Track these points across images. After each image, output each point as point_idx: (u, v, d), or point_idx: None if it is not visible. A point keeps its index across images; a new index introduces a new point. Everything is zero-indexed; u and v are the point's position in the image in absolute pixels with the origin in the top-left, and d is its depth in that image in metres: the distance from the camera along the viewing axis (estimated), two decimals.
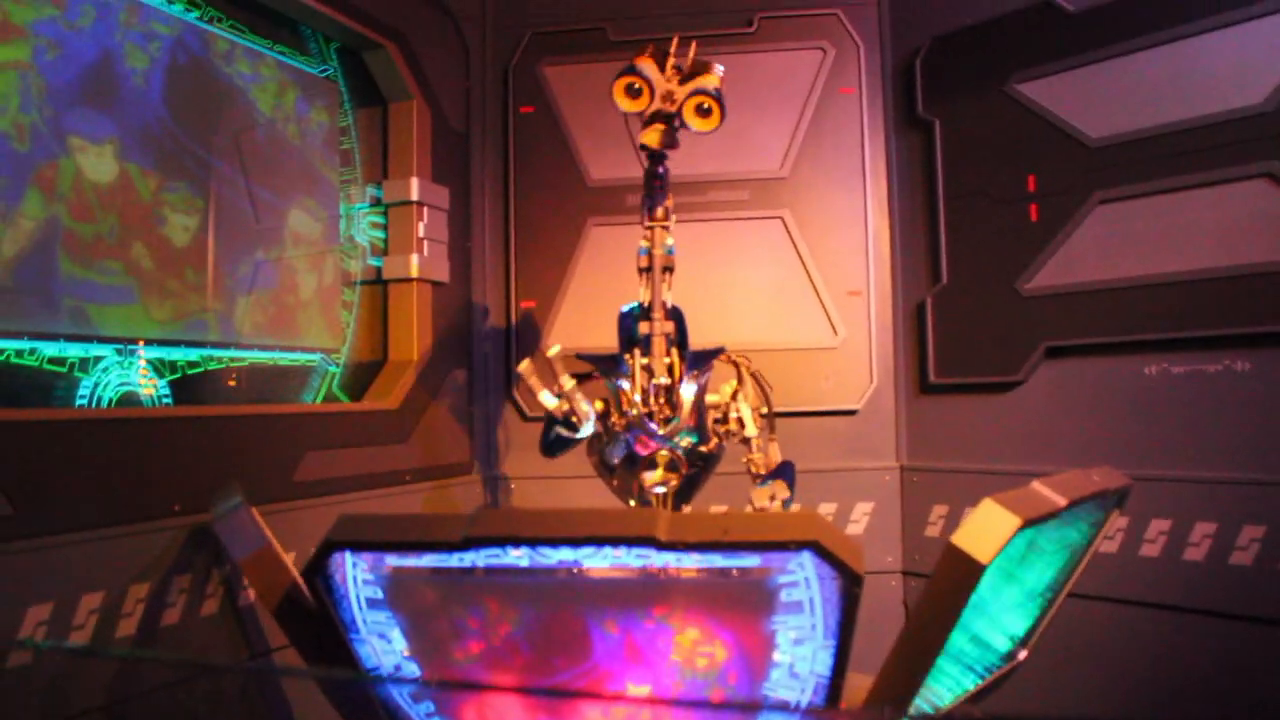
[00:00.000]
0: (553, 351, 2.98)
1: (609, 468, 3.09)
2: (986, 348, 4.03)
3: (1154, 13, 3.59)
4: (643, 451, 2.93)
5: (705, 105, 2.82)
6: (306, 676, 2.54)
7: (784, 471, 2.98)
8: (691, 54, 2.91)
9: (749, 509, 2.91)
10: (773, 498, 2.82)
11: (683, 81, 2.84)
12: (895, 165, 4.37)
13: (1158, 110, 3.59)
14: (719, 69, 2.88)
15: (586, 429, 2.98)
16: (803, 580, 1.80)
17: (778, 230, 4.32)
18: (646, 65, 2.84)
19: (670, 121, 2.88)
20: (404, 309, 3.96)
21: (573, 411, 2.94)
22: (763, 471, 3.01)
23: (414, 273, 3.95)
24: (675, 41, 2.94)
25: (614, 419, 3.02)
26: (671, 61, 2.88)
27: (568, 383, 2.96)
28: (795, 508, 2.97)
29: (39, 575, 2.39)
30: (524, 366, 3.00)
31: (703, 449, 3.02)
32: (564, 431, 3.01)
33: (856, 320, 4.28)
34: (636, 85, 2.83)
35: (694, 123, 2.84)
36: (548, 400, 2.95)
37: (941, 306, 4.17)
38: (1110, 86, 3.72)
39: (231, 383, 3.39)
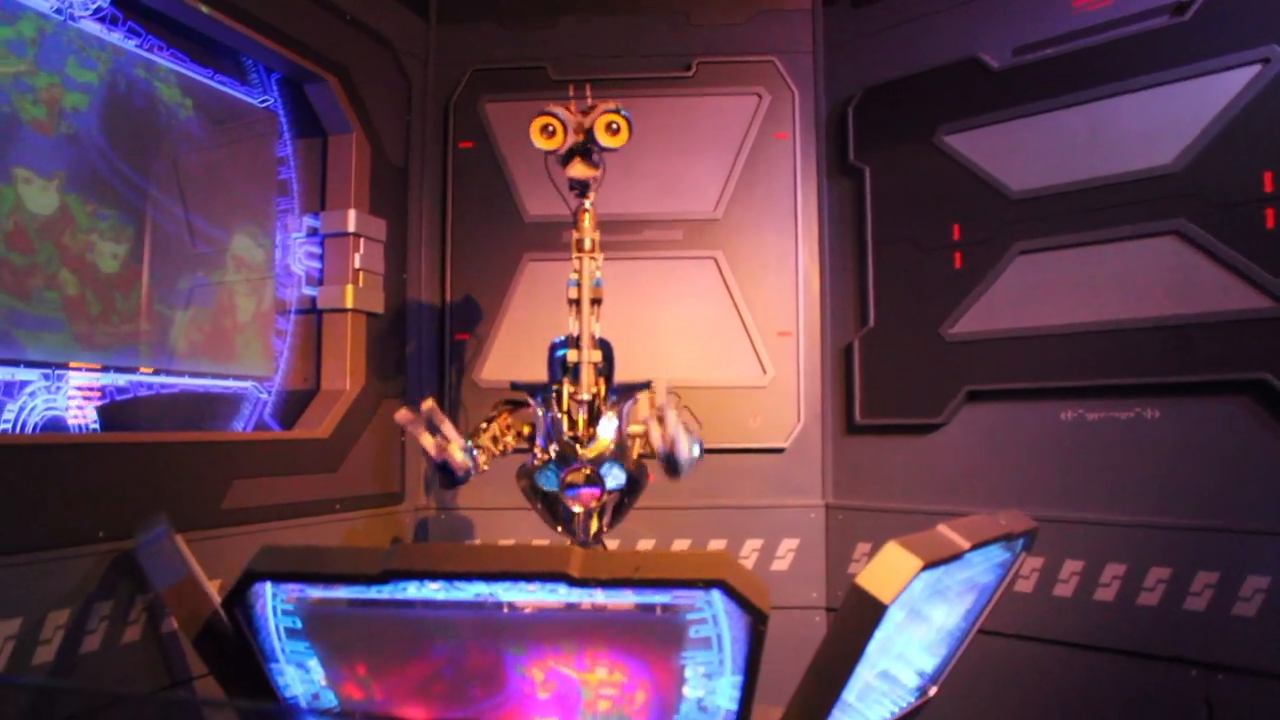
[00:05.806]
0: (426, 405, 3.12)
1: (539, 493, 3.17)
2: (910, 390, 4.14)
3: (1072, 73, 3.74)
4: (570, 479, 3.03)
5: (614, 124, 3.09)
6: (226, 706, 2.54)
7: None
8: (588, 96, 3.21)
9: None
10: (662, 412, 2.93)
11: (586, 114, 3.12)
12: (827, 210, 4.47)
13: (1075, 166, 3.73)
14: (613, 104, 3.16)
15: (464, 475, 3.11)
16: (711, 617, 1.86)
17: (710, 270, 4.40)
18: (556, 108, 3.11)
19: (586, 150, 3.14)
20: (337, 339, 3.98)
21: (449, 460, 3.06)
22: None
23: (349, 304, 3.97)
24: (572, 89, 3.26)
25: (536, 450, 3.16)
26: (573, 105, 3.17)
27: (450, 433, 3.09)
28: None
29: None
30: (402, 415, 3.09)
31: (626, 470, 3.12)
32: (444, 475, 3.14)
33: (786, 360, 4.36)
34: (550, 125, 3.09)
35: (605, 139, 3.09)
36: (428, 445, 3.07)
37: (868, 349, 4.27)
38: (1031, 142, 3.86)
39: (160, 409, 3.39)
